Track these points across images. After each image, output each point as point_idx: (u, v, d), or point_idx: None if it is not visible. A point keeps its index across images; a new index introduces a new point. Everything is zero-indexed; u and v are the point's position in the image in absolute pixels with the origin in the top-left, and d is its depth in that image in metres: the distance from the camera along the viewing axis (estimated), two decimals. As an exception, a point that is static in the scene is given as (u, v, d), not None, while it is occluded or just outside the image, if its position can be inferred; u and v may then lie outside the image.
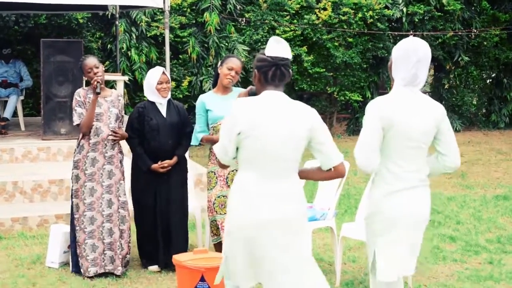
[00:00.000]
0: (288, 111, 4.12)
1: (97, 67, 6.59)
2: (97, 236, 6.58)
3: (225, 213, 6.35)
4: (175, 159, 6.86)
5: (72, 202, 6.65)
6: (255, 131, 4.05)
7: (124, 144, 6.92)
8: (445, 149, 4.45)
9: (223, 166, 4.35)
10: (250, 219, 4.09)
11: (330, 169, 4.22)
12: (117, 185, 6.66)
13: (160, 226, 6.86)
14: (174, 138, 6.88)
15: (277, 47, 4.17)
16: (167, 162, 6.81)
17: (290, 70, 4.20)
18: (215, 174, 6.64)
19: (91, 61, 6.62)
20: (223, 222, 6.36)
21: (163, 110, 6.91)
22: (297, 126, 4.10)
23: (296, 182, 4.19)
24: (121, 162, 6.72)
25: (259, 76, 4.20)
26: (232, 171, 6.47)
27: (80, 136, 6.63)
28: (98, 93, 6.45)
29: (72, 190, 6.66)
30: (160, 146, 6.81)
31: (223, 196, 6.54)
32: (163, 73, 6.86)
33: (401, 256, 4.41)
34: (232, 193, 4.23)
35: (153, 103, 6.90)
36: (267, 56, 4.17)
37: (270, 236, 4.09)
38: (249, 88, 4.58)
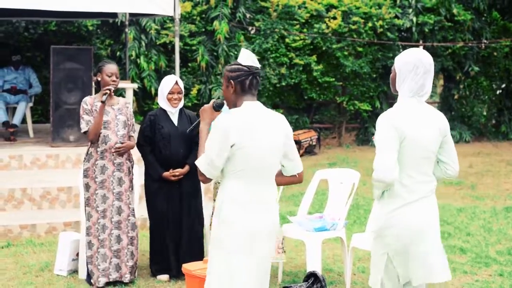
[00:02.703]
0: (270, 120, 4.26)
1: (117, 76, 6.59)
2: (107, 245, 6.55)
3: None
4: (186, 168, 6.83)
5: (85, 211, 6.61)
6: (248, 142, 4.13)
7: (133, 152, 6.89)
8: (446, 157, 4.48)
9: (206, 181, 4.27)
10: (244, 225, 4.17)
11: (295, 175, 4.47)
12: (127, 192, 6.63)
13: (172, 235, 6.83)
14: (186, 147, 6.86)
15: (250, 57, 4.28)
16: (178, 171, 6.79)
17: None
18: None
19: (114, 67, 6.62)
20: None
21: (175, 119, 6.88)
22: (278, 134, 4.26)
23: (275, 191, 4.37)
24: (129, 169, 6.69)
25: (235, 86, 4.24)
26: None
27: (89, 144, 6.61)
28: (103, 102, 6.42)
29: (84, 198, 6.64)
30: (171, 155, 6.79)
31: None
32: (176, 83, 6.81)
33: (418, 265, 4.38)
34: (223, 203, 4.22)
35: (165, 111, 6.88)
36: (243, 66, 4.24)
37: (260, 243, 4.22)
38: (212, 101, 4.51)
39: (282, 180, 4.52)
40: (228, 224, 4.19)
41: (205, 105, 4.47)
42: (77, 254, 6.97)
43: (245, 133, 4.12)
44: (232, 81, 4.24)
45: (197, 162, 4.24)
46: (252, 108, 4.23)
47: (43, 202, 9.03)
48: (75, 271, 7.00)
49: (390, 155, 4.25)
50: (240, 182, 4.19)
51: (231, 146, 4.11)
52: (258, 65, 4.30)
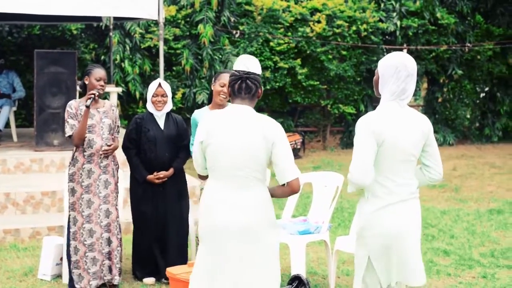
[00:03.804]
0: (247, 123, 4.29)
1: (104, 81, 6.57)
2: (97, 249, 6.48)
3: None
4: (171, 171, 6.84)
5: (69, 216, 6.57)
6: (212, 140, 4.30)
7: (118, 156, 6.87)
8: (430, 162, 4.50)
9: (201, 177, 4.60)
10: (210, 225, 4.32)
11: (285, 184, 4.34)
12: (113, 194, 6.60)
13: (157, 238, 6.83)
14: (171, 150, 6.87)
15: (245, 63, 4.42)
16: (162, 173, 6.80)
17: (258, 85, 4.41)
18: None
19: (103, 72, 6.60)
20: None
21: (161, 122, 6.89)
22: (254, 137, 4.25)
23: (258, 194, 4.31)
24: (114, 172, 6.67)
25: (229, 90, 4.46)
26: None
27: (74, 148, 6.58)
28: (88, 107, 6.39)
29: (68, 203, 6.59)
30: (156, 158, 6.80)
31: None
32: (160, 85, 6.82)
33: (396, 269, 4.41)
34: (201, 200, 4.46)
35: (151, 115, 6.90)
36: (235, 71, 4.42)
37: (227, 243, 4.28)
38: None
39: (278, 191, 4.44)
40: (199, 219, 4.43)
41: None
42: (61, 259, 6.95)
43: (213, 132, 4.30)
44: (227, 86, 4.47)
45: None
46: (231, 110, 4.36)
47: (27, 207, 9.00)
48: (59, 276, 6.98)
49: (365, 159, 4.29)
50: (213, 180, 4.37)
51: (201, 143, 4.35)
52: (254, 70, 4.40)
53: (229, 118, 4.33)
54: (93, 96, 6.42)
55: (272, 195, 4.45)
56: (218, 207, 4.29)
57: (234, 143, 4.26)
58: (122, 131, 7.46)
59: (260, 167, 4.29)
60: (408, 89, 4.39)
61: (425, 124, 4.44)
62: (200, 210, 4.42)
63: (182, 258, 6.80)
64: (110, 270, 6.55)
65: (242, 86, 4.37)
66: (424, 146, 4.46)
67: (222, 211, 4.28)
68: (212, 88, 6.65)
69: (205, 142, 4.32)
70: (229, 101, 6.80)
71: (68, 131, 6.48)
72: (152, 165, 6.81)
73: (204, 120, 4.41)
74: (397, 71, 4.35)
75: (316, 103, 16.76)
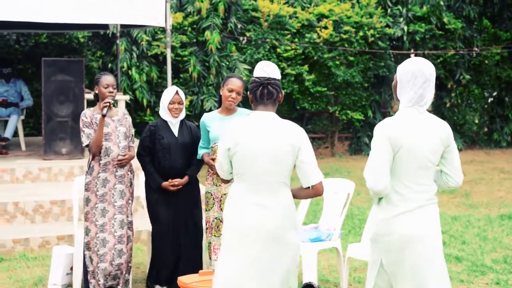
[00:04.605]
0: (273, 129, 4.48)
1: (114, 87, 6.55)
2: (108, 260, 6.43)
3: (219, 236, 6.45)
4: (186, 178, 6.80)
5: (84, 226, 6.53)
6: (239, 148, 4.44)
7: (133, 162, 6.83)
8: (449, 169, 4.45)
9: (224, 181, 4.89)
10: (239, 228, 4.43)
11: (309, 187, 4.52)
12: (127, 204, 6.57)
13: (172, 246, 6.77)
14: (186, 158, 6.83)
15: (264, 69, 4.59)
16: (177, 181, 6.75)
17: (279, 89, 4.60)
18: (211, 195, 6.61)
19: (111, 78, 6.59)
20: (215, 245, 6.47)
21: (175, 130, 6.86)
22: (281, 143, 4.43)
23: (285, 197, 4.48)
24: (131, 181, 6.63)
25: (251, 97, 4.61)
26: (225, 194, 6.47)
27: (90, 157, 6.54)
28: (104, 116, 6.37)
29: (83, 213, 6.55)
30: (171, 165, 6.76)
31: (217, 219, 6.54)
32: (177, 93, 6.81)
33: (410, 275, 4.35)
34: (226, 204, 4.59)
35: (165, 122, 6.87)
36: (255, 78, 4.58)
37: (256, 245, 4.39)
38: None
39: (302, 193, 4.62)
40: (225, 222, 4.55)
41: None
42: (71, 268, 6.92)
43: (240, 139, 4.43)
44: (249, 93, 4.61)
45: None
46: (256, 118, 4.52)
47: (36, 216, 8.97)
48: (69, 286, 6.95)
49: (380, 164, 4.28)
50: (240, 185, 4.50)
51: (228, 150, 4.48)
52: (273, 76, 4.57)
53: (255, 126, 4.48)
54: (108, 104, 6.39)
55: (295, 197, 4.61)
56: (247, 211, 4.42)
57: (262, 150, 4.41)
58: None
59: (286, 172, 4.46)
60: (426, 95, 4.35)
61: (444, 130, 4.39)
62: (226, 214, 4.53)
63: (196, 267, 6.73)
64: (116, 277, 6.47)
65: (264, 92, 4.53)
66: (443, 152, 4.40)
67: (251, 215, 4.41)
68: (221, 93, 6.63)
69: (233, 150, 4.45)
70: (238, 105, 6.80)
71: (85, 141, 6.44)
72: (166, 172, 6.76)
73: (230, 127, 4.54)
74: (414, 77, 4.32)
75: (324, 109, 16.71)
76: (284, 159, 4.43)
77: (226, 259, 4.49)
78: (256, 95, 4.55)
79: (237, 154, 4.45)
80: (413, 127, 4.30)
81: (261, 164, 4.41)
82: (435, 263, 4.37)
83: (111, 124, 6.52)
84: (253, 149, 4.42)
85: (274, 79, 4.57)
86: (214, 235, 6.52)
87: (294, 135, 4.47)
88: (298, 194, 4.61)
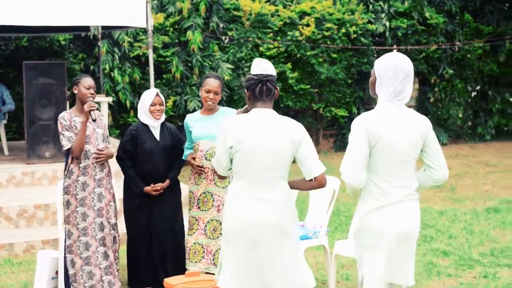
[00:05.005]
0: (273, 126, 4.52)
1: (94, 89, 6.47)
2: (93, 263, 6.36)
3: (190, 235, 6.65)
4: (167, 182, 6.75)
5: (65, 229, 6.46)
6: (242, 146, 4.48)
7: (112, 166, 6.77)
8: (432, 162, 4.47)
9: (221, 177, 4.89)
10: (241, 223, 4.49)
11: (312, 179, 4.58)
12: (107, 207, 6.49)
13: (155, 249, 6.73)
14: (167, 161, 6.77)
15: (261, 66, 4.62)
16: (160, 185, 6.70)
17: (275, 86, 4.62)
18: (193, 194, 6.67)
19: (91, 80, 6.50)
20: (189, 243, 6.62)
21: (156, 133, 6.77)
22: (281, 140, 4.49)
23: (284, 191, 4.57)
24: (110, 184, 6.57)
25: (249, 94, 4.63)
26: (204, 193, 6.57)
27: (70, 160, 6.44)
28: (94, 120, 6.28)
29: (64, 216, 6.49)
30: (153, 169, 6.68)
31: (192, 217, 6.65)
32: (157, 94, 6.72)
33: (390, 270, 4.36)
34: (226, 201, 4.64)
35: (146, 126, 6.76)
36: (253, 75, 4.60)
37: (260, 239, 4.47)
38: (244, 107, 4.86)
39: (305, 185, 4.66)
40: (225, 217, 4.61)
41: (239, 109, 4.94)
42: (56, 272, 6.85)
43: (242, 137, 4.48)
44: (246, 91, 4.64)
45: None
46: (256, 115, 4.56)
47: (20, 221, 8.89)
48: (54, 290, 6.89)
49: (355, 158, 4.32)
50: (241, 182, 4.56)
51: (230, 148, 4.52)
52: (269, 72, 4.60)
53: (256, 123, 4.52)
54: (96, 108, 6.31)
55: (299, 189, 4.79)
56: (249, 206, 4.49)
57: (264, 147, 4.47)
58: (112, 140, 7.36)
59: (286, 167, 4.55)
60: (405, 90, 4.39)
61: (423, 124, 4.41)
62: (227, 211, 4.60)
63: (180, 268, 6.69)
64: (111, 285, 6.43)
65: (263, 89, 4.57)
66: (423, 147, 4.42)
67: (254, 209, 4.47)
68: (200, 94, 6.62)
69: (235, 148, 4.50)
70: (220, 104, 6.79)
71: (67, 144, 6.33)
72: (149, 176, 6.69)
73: (230, 125, 4.56)
74: (395, 73, 4.33)
75: (308, 107, 16.70)
76: (284, 154, 4.49)
77: (231, 254, 4.56)
78: (255, 92, 4.57)
79: (240, 152, 4.50)
80: (391, 121, 4.32)
81: (263, 160, 4.47)
82: (411, 256, 4.48)
83: (89, 126, 6.43)
84: (256, 146, 4.47)
85: (272, 75, 4.61)
86: (189, 234, 6.65)
87: (294, 131, 4.53)
88: (302, 186, 4.69)
